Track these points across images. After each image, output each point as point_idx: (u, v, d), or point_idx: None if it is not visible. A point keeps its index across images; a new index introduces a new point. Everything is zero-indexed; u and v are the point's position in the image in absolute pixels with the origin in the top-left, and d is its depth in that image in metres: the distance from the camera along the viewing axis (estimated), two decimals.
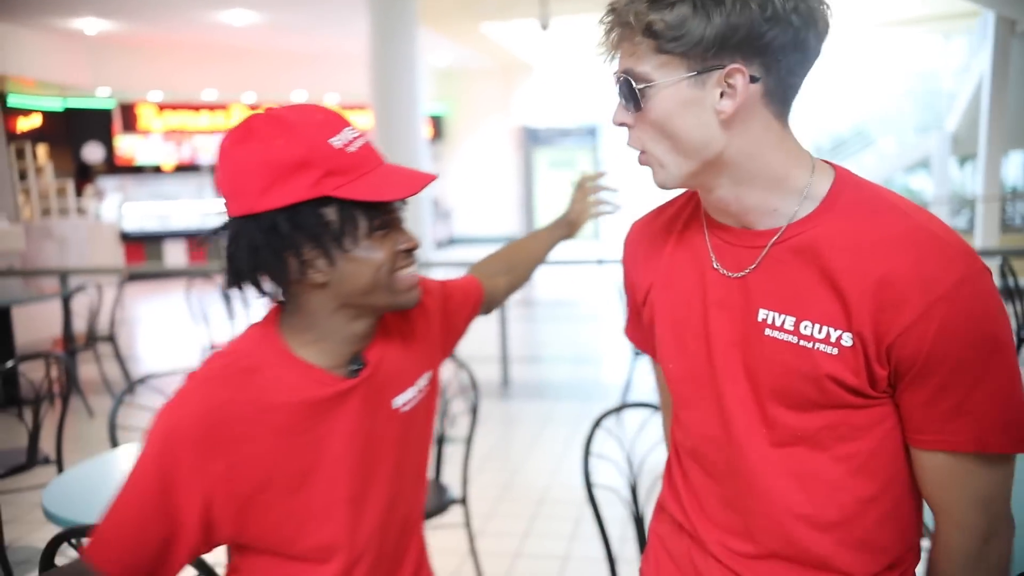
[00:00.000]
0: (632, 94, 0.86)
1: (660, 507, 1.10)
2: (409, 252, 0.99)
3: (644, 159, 0.90)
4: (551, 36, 9.47)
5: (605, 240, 10.35)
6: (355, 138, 0.94)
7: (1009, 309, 4.35)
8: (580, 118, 11.20)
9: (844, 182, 0.88)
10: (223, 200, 0.93)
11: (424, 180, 0.96)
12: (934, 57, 12.67)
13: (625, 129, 0.90)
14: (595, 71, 12.95)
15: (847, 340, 0.83)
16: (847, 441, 0.88)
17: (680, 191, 1.02)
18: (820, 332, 0.84)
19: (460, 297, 1.23)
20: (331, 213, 0.91)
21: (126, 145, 12.54)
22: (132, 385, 2.38)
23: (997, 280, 4.59)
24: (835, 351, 0.84)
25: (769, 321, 0.88)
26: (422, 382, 1.11)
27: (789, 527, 0.91)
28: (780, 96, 0.85)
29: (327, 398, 0.97)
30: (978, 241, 9.21)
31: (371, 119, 7.11)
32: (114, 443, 2.28)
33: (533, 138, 10.42)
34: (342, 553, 1.01)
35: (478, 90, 13.02)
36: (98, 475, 2.02)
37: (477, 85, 13.05)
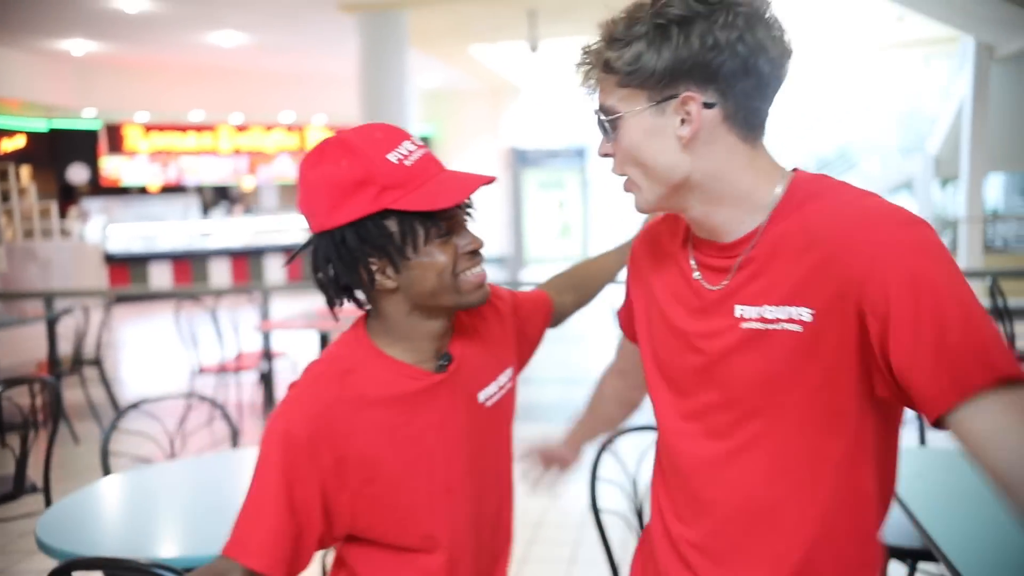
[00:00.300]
0: (604, 127, 0.95)
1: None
2: (473, 253, 1.04)
3: (627, 185, 0.98)
4: (539, 58, 9.55)
5: None
6: (412, 151, 1.00)
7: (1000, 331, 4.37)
8: (568, 140, 11.29)
9: (798, 184, 0.93)
10: (305, 219, 1.03)
11: (475, 183, 1.00)
12: (916, 81, 12.89)
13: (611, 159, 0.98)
14: (583, 94, 12.90)
15: (807, 315, 0.88)
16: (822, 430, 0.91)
17: None
18: (783, 312, 0.89)
19: (530, 307, 1.27)
20: (392, 224, 0.98)
21: (112, 166, 12.47)
22: (125, 410, 2.33)
23: (986, 301, 4.63)
24: (799, 328, 0.88)
25: (743, 315, 0.93)
26: (503, 379, 1.16)
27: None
28: (743, 119, 0.91)
29: (419, 391, 1.05)
30: (962, 262, 9.32)
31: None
32: (106, 470, 2.22)
33: (522, 159, 10.46)
34: (445, 544, 1.07)
35: (467, 111, 13.06)
36: (91, 504, 1.97)
37: (466, 106, 13.10)
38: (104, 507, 1.99)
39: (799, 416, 0.92)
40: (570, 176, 10.54)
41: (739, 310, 0.94)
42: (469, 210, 1.06)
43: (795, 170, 0.96)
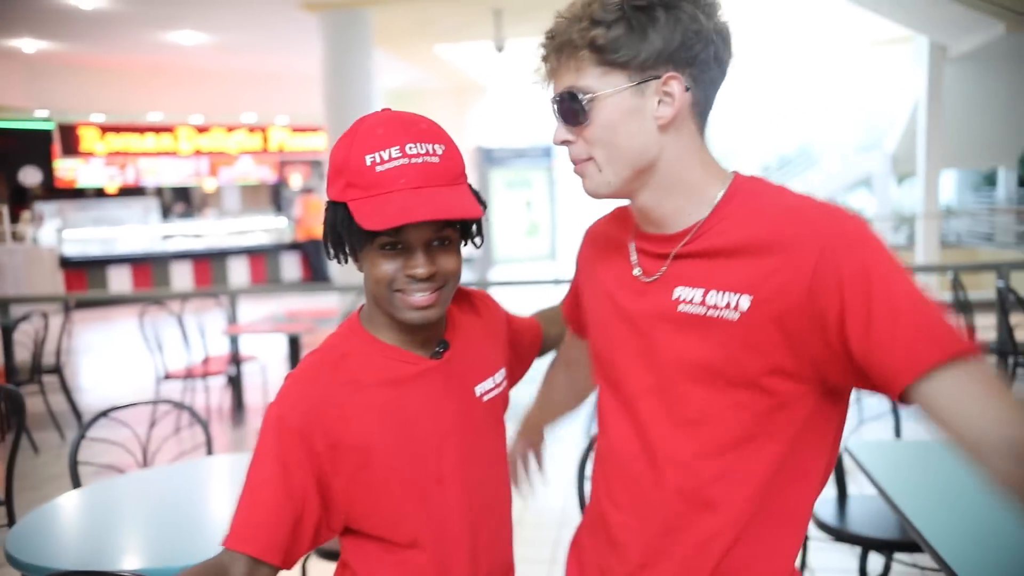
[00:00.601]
0: (574, 109, 0.93)
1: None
2: (415, 279, 1.00)
3: (581, 168, 0.98)
4: (505, 58, 9.54)
5: (561, 261, 10.40)
6: (395, 159, 0.97)
7: (961, 323, 4.49)
8: (535, 139, 11.30)
9: (739, 183, 0.96)
10: None
11: (424, 214, 0.95)
12: (874, 80, 13.18)
13: (567, 147, 0.98)
14: (540, 79, 13.02)
15: (745, 304, 0.89)
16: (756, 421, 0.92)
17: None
18: (722, 299, 0.91)
19: (521, 325, 1.28)
20: (347, 219, 0.99)
21: (67, 168, 12.13)
22: (95, 418, 2.25)
23: (948, 295, 4.75)
24: (736, 316, 0.90)
25: (681, 297, 0.94)
26: (499, 376, 1.16)
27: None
28: (702, 109, 0.94)
29: (413, 376, 1.06)
30: (920, 257, 9.54)
31: (325, 140, 7.03)
32: (76, 482, 2.15)
33: (488, 158, 10.42)
34: (434, 539, 1.06)
35: (431, 111, 12.71)
36: (60, 516, 1.90)
37: (430, 105, 13.03)
38: (76, 519, 1.93)
39: (735, 405, 0.92)
40: (537, 175, 10.53)
41: (678, 292, 0.95)
42: (444, 239, 1.02)
43: (734, 172, 0.99)
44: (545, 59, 0.96)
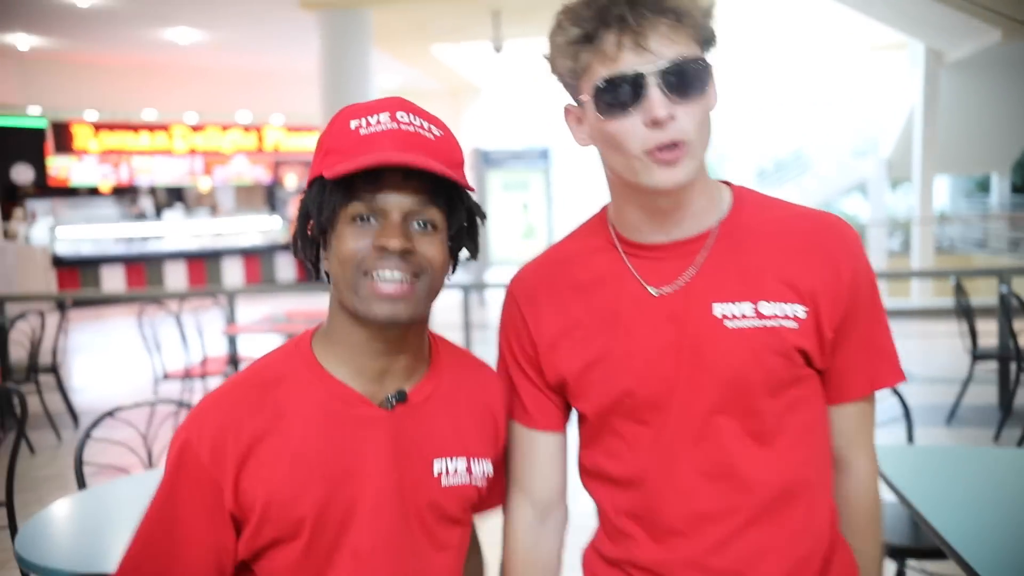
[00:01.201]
0: (698, 80, 0.86)
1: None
2: (388, 254, 0.83)
3: (679, 153, 0.86)
4: (502, 58, 9.53)
5: None
6: (381, 123, 0.85)
7: (964, 328, 4.49)
8: (532, 140, 11.29)
9: (741, 192, 0.98)
10: None
11: (405, 159, 0.81)
12: (869, 85, 13.25)
13: (637, 125, 0.85)
14: (547, 93, 13.17)
15: (801, 312, 0.90)
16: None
17: (573, 231, 1.04)
18: (779, 309, 0.90)
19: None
20: (316, 191, 0.86)
21: (59, 166, 12.03)
22: (101, 418, 2.22)
23: (951, 300, 4.76)
24: (796, 324, 0.90)
25: (726, 313, 0.91)
26: (476, 467, 0.94)
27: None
28: None
29: (350, 421, 0.88)
30: (915, 262, 9.59)
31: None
32: (81, 482, 2.12)
33: (485, 160, 10.41)
34: None
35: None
36: (68, 517, 1.87)
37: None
38: (84, 520, 1.89)
39: (795, 400, 0.94)
40: (534, 177, 10.53)
41: (720, 309, 0.91)
42: (427, 222, 0.86)
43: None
44: (626, 25, 0.83)
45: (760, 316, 0.90)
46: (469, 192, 0.90)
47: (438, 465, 0.91)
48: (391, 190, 0.83)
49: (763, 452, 0.92)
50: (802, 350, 0.90)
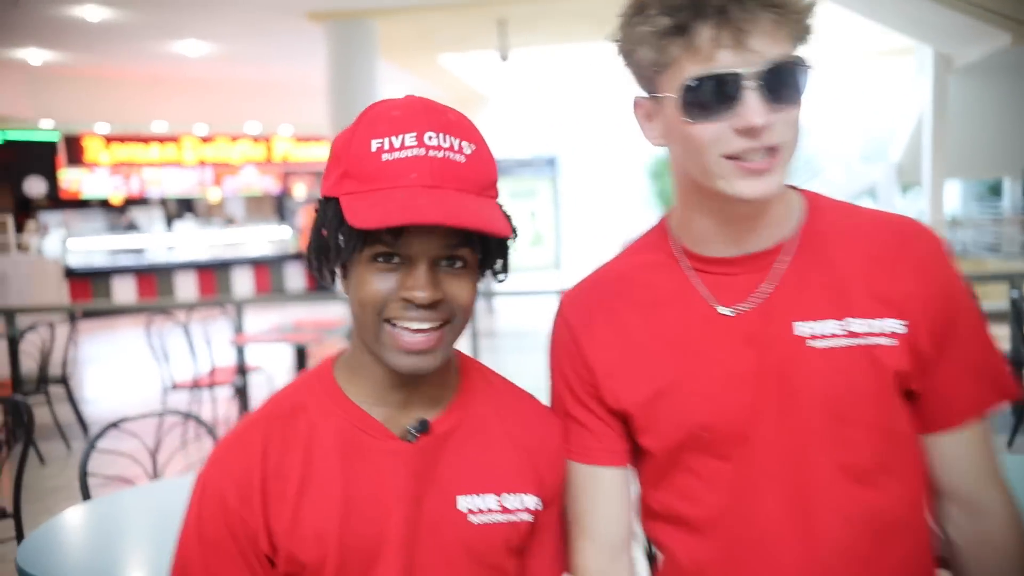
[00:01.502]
0: (798, 83, 0.78)
1: None
2: (413, 306, 0.77)
3: (772, 162, 0.79)
4: (508, 67, 9.55)
5: (565, 270, 10.39)
6: (408, 147, 0.76)
7: None
8: (539, 148, 11.32)
9: (814, 199, 0.90)
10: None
11: (428, 216, 0.73)
12: (878, 90, 13.20)
13: (726, 131, 0.77)
14: (553, 101, 13.19)
15: (899, 327, 0.82)
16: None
17: (622, 253, 0.95)
18: (872, 326, 0.82)
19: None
20: (335, 217, 0.78)
21: (71, 178, 12.13)
22: (106, 429, 2.23)
23: None
24: (894, 342, 0.82)
25: (810, 332, 0.83)
26: (513, 500, 0.86)
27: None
28: None
29: (368, 453, 0.83)
30: None
31: (328, 151, 7.02)
32: (85, 494, 2.12)
33: None
34: None
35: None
36: (71, 529, 1.87)
37: None
38: (87, 531, 1.89)
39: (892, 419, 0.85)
40: (542, 185, 10.55)
41: (801, 328, 0.82)
42: (457, 259, 0.79)
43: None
44: (730, 12, 0.73)
45: (851, 335, 0.82)
46: (505, 218, 0.82)
47: (463, 502, 0.85)
48: (418, 235, 0.76)
49: (859, 491, 0.83)
50: (901, 370, 0.82)
